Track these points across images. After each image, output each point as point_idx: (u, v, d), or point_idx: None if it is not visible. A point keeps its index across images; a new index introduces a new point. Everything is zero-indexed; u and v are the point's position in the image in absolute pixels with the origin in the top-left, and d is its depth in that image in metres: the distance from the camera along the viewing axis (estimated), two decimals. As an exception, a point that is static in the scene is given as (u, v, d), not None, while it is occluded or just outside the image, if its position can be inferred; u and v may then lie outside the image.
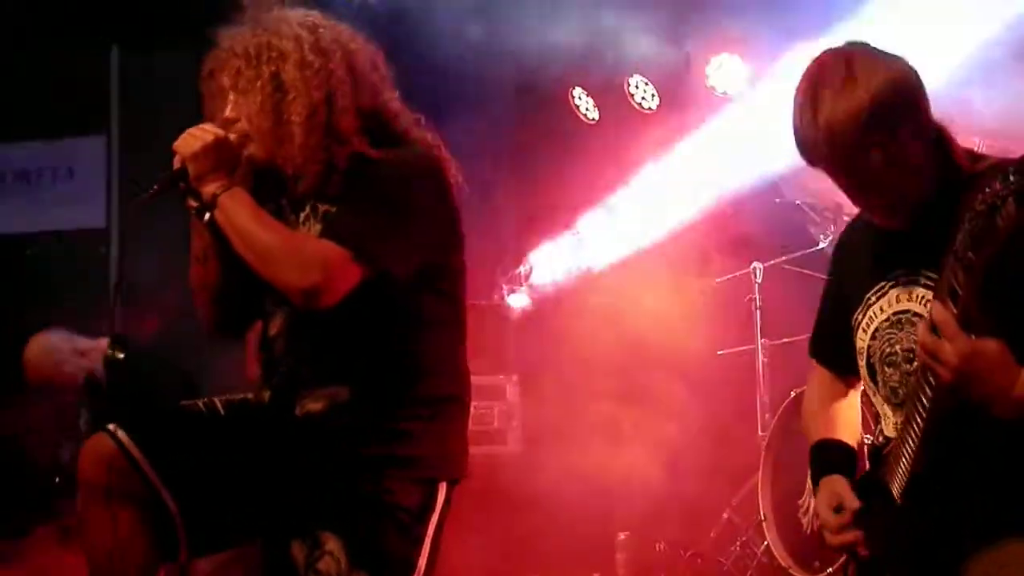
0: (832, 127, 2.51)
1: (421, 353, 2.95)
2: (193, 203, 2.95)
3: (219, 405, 3.00)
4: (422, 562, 2.91)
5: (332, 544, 2.82)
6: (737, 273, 6.51)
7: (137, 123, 7.89)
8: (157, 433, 2.91)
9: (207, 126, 2.94)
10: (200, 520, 2.87)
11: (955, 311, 2.32)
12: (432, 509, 2.94)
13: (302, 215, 2.98)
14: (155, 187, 2.92)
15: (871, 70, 2.53)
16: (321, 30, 2.97)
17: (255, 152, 2.95)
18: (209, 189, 2.89)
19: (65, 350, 5.11)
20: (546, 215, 7.70)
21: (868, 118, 2.49)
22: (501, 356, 7.01)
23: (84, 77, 7.75)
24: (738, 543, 6.18)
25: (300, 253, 2.81)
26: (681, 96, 7.05)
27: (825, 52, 2.65)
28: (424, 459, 2.92)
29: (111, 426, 2.88)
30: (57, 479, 5.27)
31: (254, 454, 2.92)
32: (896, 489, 2.59)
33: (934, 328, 2.35)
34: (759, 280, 6.33)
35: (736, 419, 6.35)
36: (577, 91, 7.51)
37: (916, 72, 2.61)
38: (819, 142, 2.55)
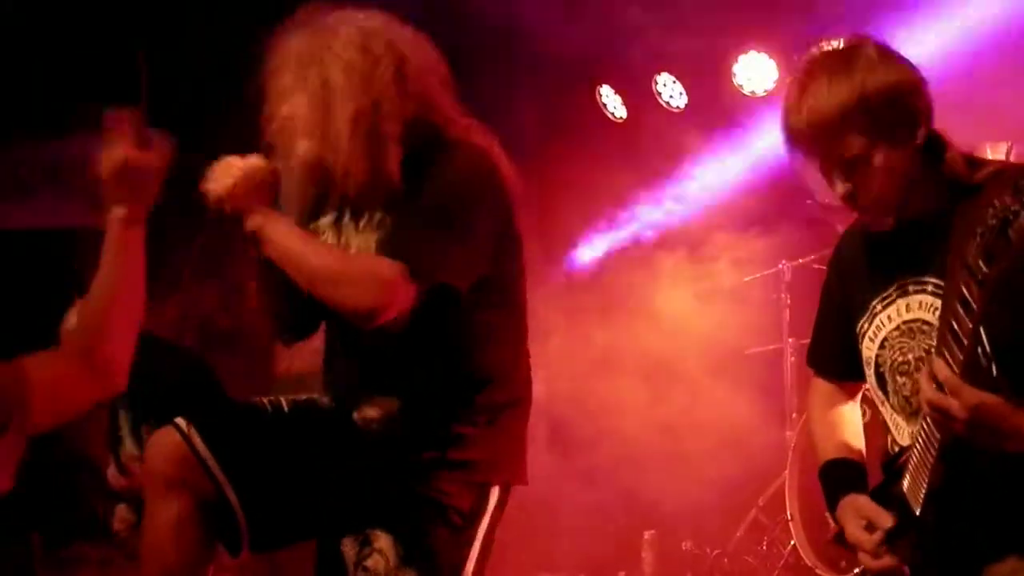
0: (814, 110, 2.53)
1: (480, 363, 2.95)
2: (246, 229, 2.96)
3: (284, 404, 3.01)
4: (471, 565, 2.92)
5: (382, 542, 2.83)
6: (766, 272, 6.49)
7: (167, 123, 7.91)
8: (223, 429, 2.92)
9: (231, 159, 2.95)
10: (261, 516, 2.89)
11: (956, 370, 2.32)
12: (483, 512, 2.95)
13: (361, 222, 2.99)
14: (200, 241, 2.93)
15: (868, 68, 2.54)
16: (375, 36, 2.95)
17: (307, 153, 2.93)
18: (249, 225, 2.91)
19: None
20: (572, 213, 7.69)
21: (850, 110, 2.51)
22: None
23: (114, 75, 7.78)
24: (765, 542, 6.18)
25: (354, 275, 2.81)
26: (709, 95, 7.03)
27: (829, 42, 2.66)
28: (477, 462, 2.93)
29: (179, 420, 2.89)
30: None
31: (315, 454, 2.93)
32: (915, 502, 2.57)
33: (939, 385, 2.35)
34: (787, 279, 6.32)
35: (763, 418, 6.34)
36: (604, 89, 7.50)
37: (920, 78, 2.60)
38: (800, 123, 2.57)
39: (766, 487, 6.29)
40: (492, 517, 2.97)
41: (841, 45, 2.63)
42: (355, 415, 2.95)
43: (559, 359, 7.06)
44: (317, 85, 2.90)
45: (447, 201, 2.86)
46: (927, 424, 2.48)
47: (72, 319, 4.46)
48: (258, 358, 6.74)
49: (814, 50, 2.67)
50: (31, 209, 8.19)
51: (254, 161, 2.94)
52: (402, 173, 2.88)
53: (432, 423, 2.90)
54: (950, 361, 2.33)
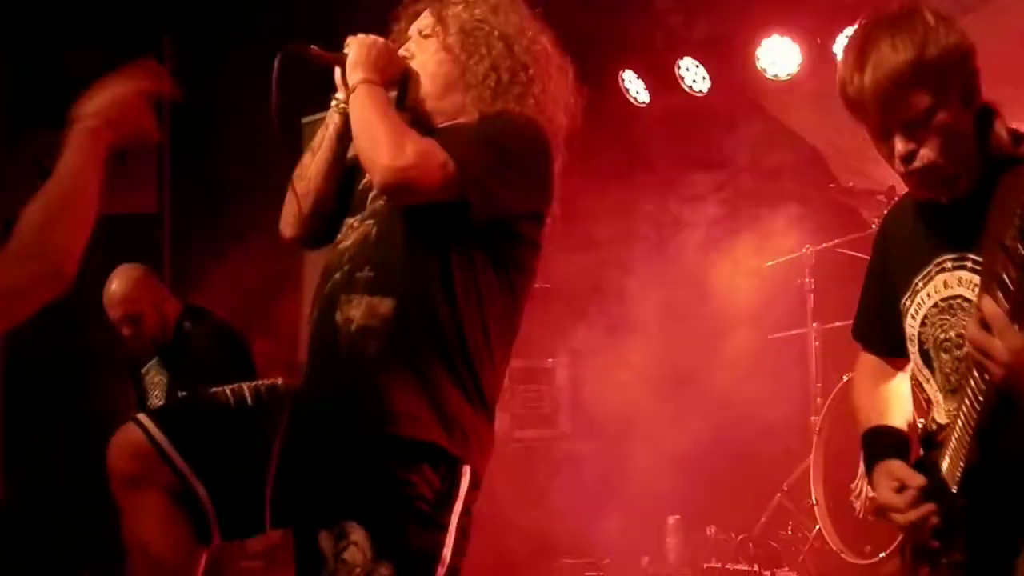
0: (879, 68, 2.48)
1: (467, 315, 2.93)
2: (338, 97, 3.09)
3: (247, 392, 3.01)
4: (447, 552, 2.88)
5: (357, 534, 2.80)
6: (789, 256, 6.47)
7: (189, 109, 7.94)
8: (185, 421, 2.94)
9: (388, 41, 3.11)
10: (230, 506, 2.89)
11: (1007, 305, 2.29)
12: (455, 496, 2.90)
13: None
14: (317, 50, 3.05)
15: (930, 27, 2.51)
16: (506, 12, 3.15)
17: (414, 85, 3.09)
18: (357, 76, 2.98)
19: (146, 297, 5.22)
20: (593, 198, 7.68)
21: (918, 66, 2.46)
22: (551, 339, 7.01)
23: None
24: (789, 527, 6.18)
25: (403, 138, 2.86)
26: (732, 79, 7.01)
27: (884, 9, 2.63)
28: (445, 432, 2.88)
29: (140, 416, 2.91)
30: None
31: (277, 442, 2.92)
32: (951, 480, 2.57)
33: (984, 323, 2.32)
34: (811, 263, 6.30)
35: (788, 403, 6.32)
36: (627, 74, 7.48)
37: (972, 45, 2.57)
38: (863, 83, 2.51)
39: (791, 472, 6.28)
40: (466, 500, 2.92)
41: (894, 12, 2.60)
42: (336, 315, 2.93)
43: (576, 345, 7.07)
44: (456, 34, 3.07)
45: (508, 142, 2.96)
46: (967, 401, 2.47)
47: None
48: (284, 344, 6.77)
49: (868, 17, 2.63)
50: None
51: (403, 52, 3.11)
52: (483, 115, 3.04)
53: (407, 353, 2.88)
54: (1004, 288, 2.28)
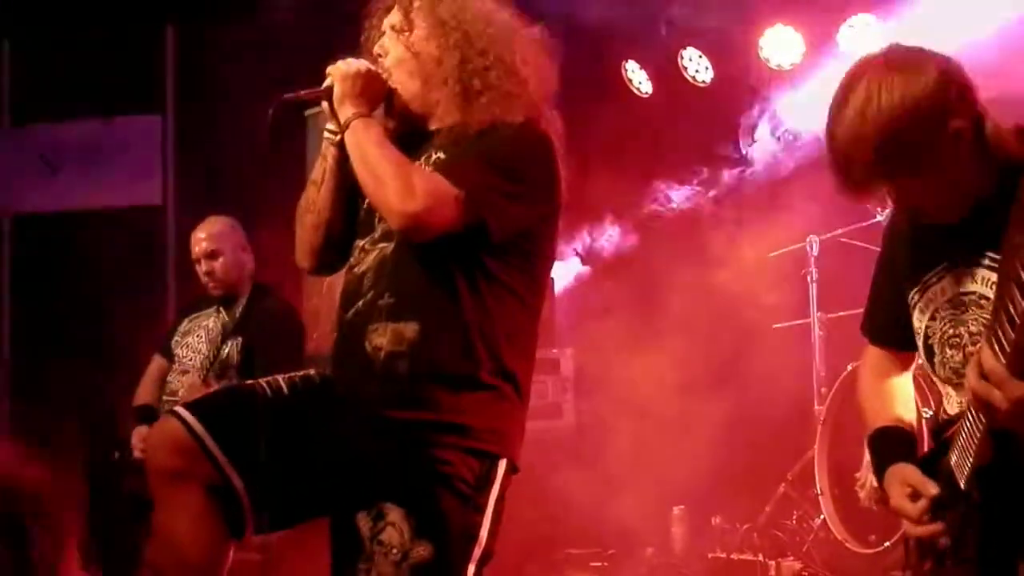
0: (846, 153, 2.49)
1: (492, 315, 2.97)
2: (330, 128, 3.10)
3: (282, 383, 3.02)
4: (484, 533, 2.91)
5: (394, 515, 2.83)
6: (793, 246, 6.47)
7: (193, 100, 7.94)
8: (223, 414, 2.93)
9: (364, 60, 3.10)
10: (266, 498, 2.90)
11: (1012, 335, 2.26)
12: (492, 480, 2.94)
13: (418, 161, 3.04)
14: (302, 93, 3.06)
15: (888, 95, 2.45)
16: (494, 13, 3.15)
17: (407, 91, 3.11)
18: (347, 112, 3.00)
19: (229, 241, 5.37)
20: (596, 188, 7.68)
21: (875, 152, 2.45)
22: (556, 329, 7.01)
23: (139, 54, 7.81)
24: (794, 517, 6.18)
25: (410, 179, 2.86)
26: (736, 69, 7.00)
27: (858, 63, 2.58)
28: (481, 431, 2.92)
29: (179, 409, 2.90)
30: (116, 454, 5.32)
31: (316, 431, 2.94)
32: (961, 476, 2.56)
33: (984, 375, 2.31)
34: (815, 253, 6.30)
35: (792, 393, 6.32)
36: (630, 64, 7.47)
37: (950, 73, 2.50)
38: (836, 163, 2.52)
39: (795, 462, 6.28)
40: (501, 487, 2.97)
41: (862, 69, 2.53)
42: (365, 345, 2.96)
43: (583, 334, 7.07)
44: (435, 30, 3.08)
45: (509, 155, 2.97)
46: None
47: None
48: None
49: (847, 73, 2.58)
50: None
51: (380, 71, 3.10)
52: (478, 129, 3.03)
53: (437, 366, 2.92)
54: (1000, 346, 2.27)
